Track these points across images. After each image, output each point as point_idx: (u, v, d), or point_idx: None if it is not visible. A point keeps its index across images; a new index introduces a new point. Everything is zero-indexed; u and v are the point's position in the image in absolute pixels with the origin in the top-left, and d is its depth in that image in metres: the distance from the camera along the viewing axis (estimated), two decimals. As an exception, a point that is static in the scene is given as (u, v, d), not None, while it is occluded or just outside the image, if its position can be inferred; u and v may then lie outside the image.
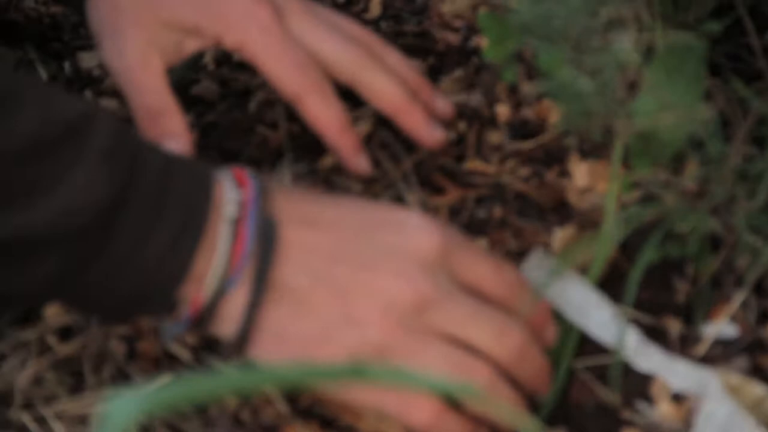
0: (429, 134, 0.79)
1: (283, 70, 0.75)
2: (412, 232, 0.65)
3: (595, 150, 0.80)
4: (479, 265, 0.67)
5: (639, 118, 0.71)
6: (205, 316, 0.63)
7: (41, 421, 0.66)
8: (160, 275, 0.61)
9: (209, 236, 0.62)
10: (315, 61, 0.76)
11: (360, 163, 0.78)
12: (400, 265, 0.64)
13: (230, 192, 0.63)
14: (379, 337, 0.63)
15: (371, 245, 0.64)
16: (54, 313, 0.71)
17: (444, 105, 0.81)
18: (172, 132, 0.75)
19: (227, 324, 0.63)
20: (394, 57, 0.81)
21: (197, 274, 0.61)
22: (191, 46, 0.76)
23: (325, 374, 0.53)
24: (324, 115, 0.76)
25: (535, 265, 0.74)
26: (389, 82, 0.78)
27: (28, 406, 0.67)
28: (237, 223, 0.62)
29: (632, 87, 0.73)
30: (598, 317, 0.72)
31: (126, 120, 0.80)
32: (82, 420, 0.68)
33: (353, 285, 0.63)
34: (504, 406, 0.52)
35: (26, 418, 0.66)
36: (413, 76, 0.80)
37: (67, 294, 0.63)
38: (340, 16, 0.82)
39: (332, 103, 0.76)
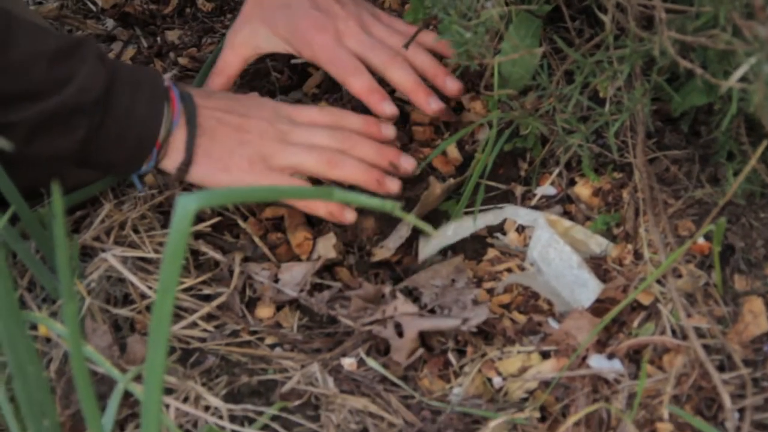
0: (428, 107, 1.02)
1: (340, 75, 1.03)
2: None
3: (473, 85, 1.08)
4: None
5: (503, 54, 0.96)
6: (161, 152, 0.93)
7: (142, 240, 0.95)
8: (147, 126, 0.91)
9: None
10: (361, 65, 1.03)
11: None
12: (270, 111, 0.97)
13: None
14: (261, 148, 0.95)
15: (253, 105, 0.97)
16: (151, 182, 1.01)
17: (452, 84, 1.03)
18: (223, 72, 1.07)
19: (175, 155, 0.94)
20: (420, 53, 1.04)
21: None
22: (279, 47, 1.05)
23: (305, 193, 0.79)
24: (359, 86, 1.02)
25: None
26: (404, 74, 1.03)
27: (136, 231, 0.95)
28: (170, 100, 0.93)
29: (496, 39, 0.98)
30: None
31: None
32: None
33: (241, 124, 0.95)
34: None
35: (135, 237, 0.95)
36: (430, 64, 1.04)
37: (92, 154, 0.90)
38: (383, 17, 1.06)
39: (365, 78, 1.03)
